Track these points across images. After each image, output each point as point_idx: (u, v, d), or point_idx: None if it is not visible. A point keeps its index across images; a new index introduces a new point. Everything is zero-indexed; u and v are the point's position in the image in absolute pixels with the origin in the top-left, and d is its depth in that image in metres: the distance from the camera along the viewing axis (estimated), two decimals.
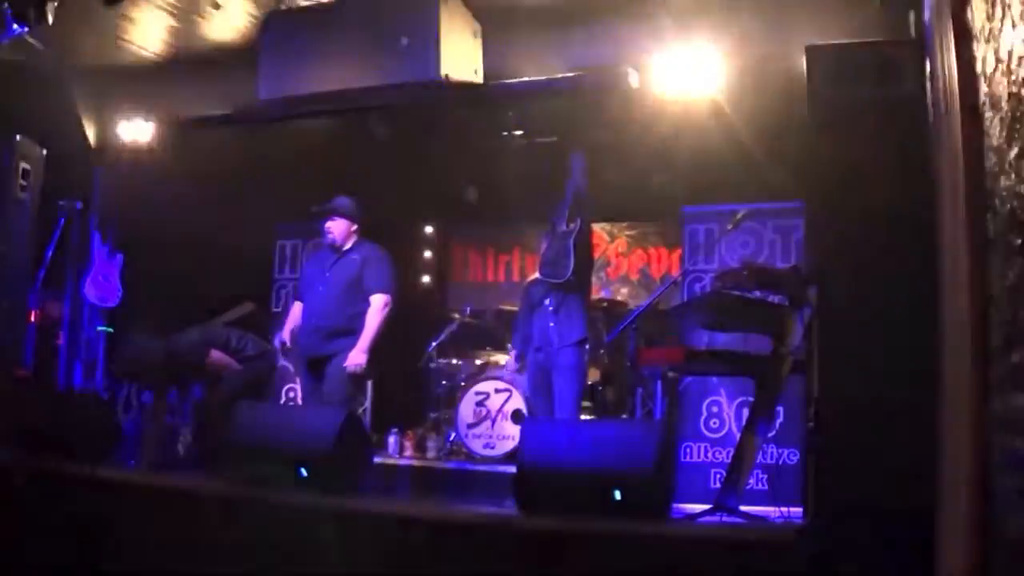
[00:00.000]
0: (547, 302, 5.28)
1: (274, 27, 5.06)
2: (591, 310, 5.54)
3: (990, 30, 2.02)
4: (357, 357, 4.88)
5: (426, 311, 7.96)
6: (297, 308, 5.34)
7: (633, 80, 5.28)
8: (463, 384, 6.56)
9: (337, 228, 5.18)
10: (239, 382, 5.42)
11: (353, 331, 4.97)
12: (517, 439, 5.31)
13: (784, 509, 4.36)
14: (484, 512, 4.57)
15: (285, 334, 5.26)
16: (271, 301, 7.96)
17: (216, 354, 5.42)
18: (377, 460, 5.48)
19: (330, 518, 3.49)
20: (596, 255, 7.73)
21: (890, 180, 2.97)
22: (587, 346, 5.32)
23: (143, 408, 5.86)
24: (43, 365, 6.02)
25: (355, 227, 5.23)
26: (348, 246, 5.19)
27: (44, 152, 5.43)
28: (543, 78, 5.39)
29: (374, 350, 4.97)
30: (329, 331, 5.03)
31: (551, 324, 5.24)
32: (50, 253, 5.72)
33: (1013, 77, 1.84)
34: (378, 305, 5.01)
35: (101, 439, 4.61)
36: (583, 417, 6.06)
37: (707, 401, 5.93)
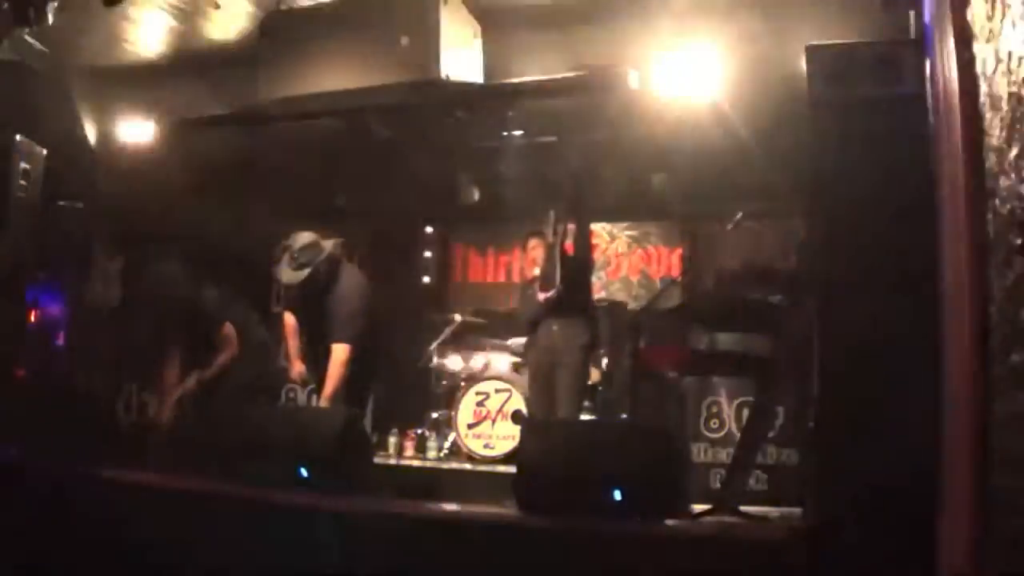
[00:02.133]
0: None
1: (274, 27, 5.06)
2: (592, 312, 5.53)
3: (990, 30, 2.02)
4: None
5: (426, 311, 7.96)
6: (291, 322, 5.13)
7: (633, 80, 5.28)
8: (463, 384, 6.56)
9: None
10: (244, 378, 5.28)
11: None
12: (517, 439, 5.31)
13: (784, 509, 4.36)
14: (484, 512, 4.57)
15: (296, 363, 5.03)
16: (270, 301, 7.95)
17: (229, 328, 5.14)
18: (377, 460, 5.48)
19: (330, 518, 3.49)
20: (596, 254, 7.74)
21: (890, 180, 2.97)
22: (592, 349, 5.33)
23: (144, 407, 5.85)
24: (43, 365, 6.02)
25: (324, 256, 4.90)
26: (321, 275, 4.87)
27: (44, 152, 5.43)
28: (543, 78, 5.39)
29: (371, 361, 4.87)
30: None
31: (555, 328, 5.25)
32: (50, 253, 5.71)
33: (1013, 77, 1.84)
34: (339, 357, 4.70)
35: (101, 439, 4.61)
36: (583, 417, 6.06)
37: (707, 401, 5.94)
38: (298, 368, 5.06)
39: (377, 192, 8.01)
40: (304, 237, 4.90)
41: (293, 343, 5.09)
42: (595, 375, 6.27)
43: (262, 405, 5.26)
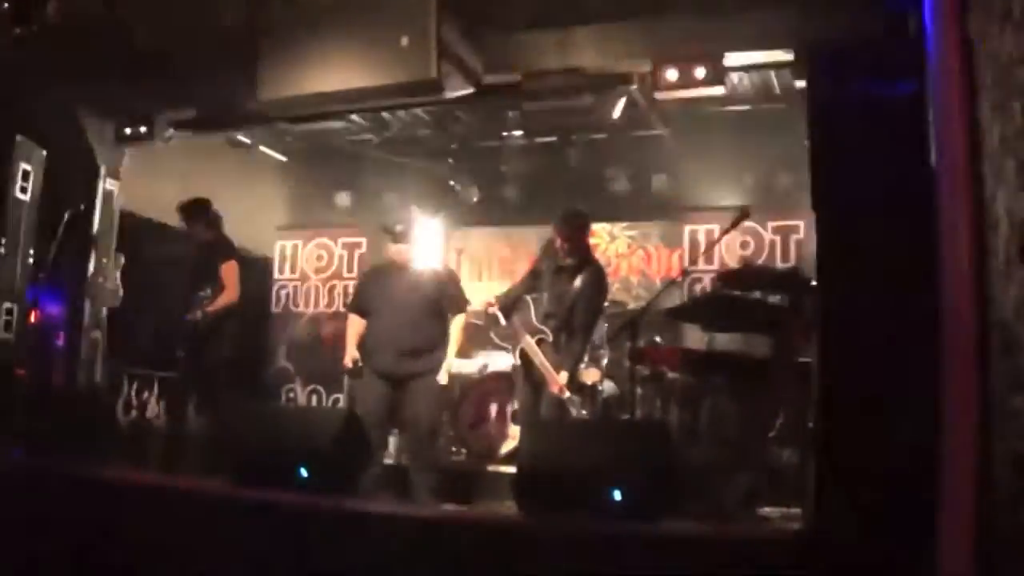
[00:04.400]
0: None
1: (274, 27, 5.06)
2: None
3: (990, 31, 2.03)
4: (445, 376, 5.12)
5: None
6: (356, 323, 5.35)
7: (633, 80, 5.28)
8: (463, 384, 6.56)
9: (407, 250, 5.30)
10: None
11: (431, 350, 5.11)
12: (517, 439, 5.31)
13: (784, 509, 4.36)
14: (484, 512, 4.57)
15: (353, 351, 5.24)
16: (271, 301, 7.96)
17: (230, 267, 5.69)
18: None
19: (330, 518, 3.49)
20: (596, 253, 7.76)
21: (890, 180, 2.97)
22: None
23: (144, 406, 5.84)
24: (43, 365, 6.01)
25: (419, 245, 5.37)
26: (414, 265, 5.31)
27: (44, 153, 5.44)
28: (543, 78, 5.39)
29: None
30: (408, 351, 5.12)
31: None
32: (50, 254, 5.71)
33: (1013, 78, 1.84)
34: (460, 324, 5.21)
35: (101, 439, 4.61)
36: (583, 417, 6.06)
37: (707, 401, 5.92)
38: (353, 356, 5.24)
39: (377, 192, 8.03)
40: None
41: (353, 334, 5.32)
42: (595, 375, 6.27)
43: (261, 405, 5.28)
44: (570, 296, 5.17)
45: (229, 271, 5.69)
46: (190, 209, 5.82)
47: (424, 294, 5.20)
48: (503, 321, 5.38)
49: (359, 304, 5.42)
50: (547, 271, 5.36)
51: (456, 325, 5.20)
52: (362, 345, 5.26)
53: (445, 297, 5.22)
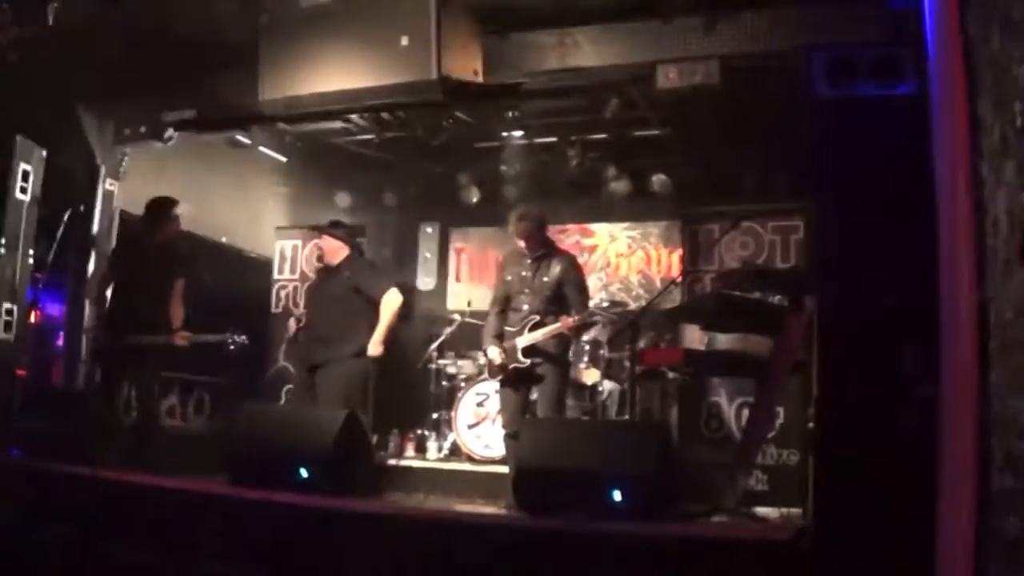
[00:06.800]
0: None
1: (275, 27, 5.07)
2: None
3: (990, 31, 2.03)
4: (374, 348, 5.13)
5: (426, 311, 7.96)
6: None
7: (633, 80, 5.28)
8: (463, 384, 6.56)
9: (326, 246, 5.44)
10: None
11: (341, 338, 5.14)
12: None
13: (784, 509, 4.36)
14: (484, 512, 4.57)
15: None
16: (271, 301, 7.95)
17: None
18: (377, 460, 5.49)
19: (330, 518, 3.49)
20: (597, 255, 7.78)
21: (890, 180, 2.97)
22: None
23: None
24: (43, 365, 6.01)
25: (344, 245, 5.40)
26: (338, 262, 5.37)
27: (44, 153, 5.43)
28: (543, 78, 5.38)
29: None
30: (319, 339, 5.24)
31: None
32: (50, 254, 5.71)
33: (1013, 78, 1.84)
34: (395, 300, 5.20)
35: (101, 439, 4.61)
36: (583, 417, 6.07)
37: (707, 401, 5.93)
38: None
39: (377, 191, 8.03)
40: None
41: None
42: (595, 375, 6.28)
43: (262, 405, 5.27)
44: (552, 283, 5.04)
45: (180, 289, 5.29)
46: (158, 206, 5.35)
47: (341, 284, 5.28)
48: (521, 357, 5.18)
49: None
50: (515, 279, 5.21)
51: (391, 302, 5.19)
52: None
53: (362, 286, 5.24)
